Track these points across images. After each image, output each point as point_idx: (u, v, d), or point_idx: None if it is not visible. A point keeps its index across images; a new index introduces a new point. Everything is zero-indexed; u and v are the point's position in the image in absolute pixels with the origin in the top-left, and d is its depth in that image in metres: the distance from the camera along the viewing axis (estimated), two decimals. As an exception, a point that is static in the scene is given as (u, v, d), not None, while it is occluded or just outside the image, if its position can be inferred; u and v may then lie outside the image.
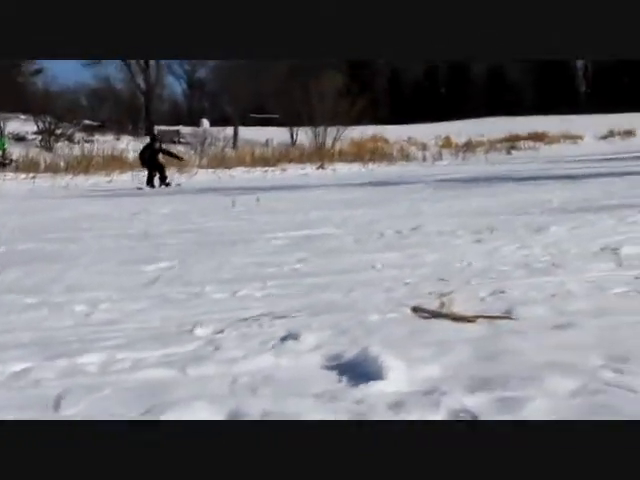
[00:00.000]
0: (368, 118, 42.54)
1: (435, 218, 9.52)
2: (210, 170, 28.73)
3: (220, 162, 32.32)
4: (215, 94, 58.72)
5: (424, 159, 37.71)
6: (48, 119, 38.41)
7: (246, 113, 47.93)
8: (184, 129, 45.81)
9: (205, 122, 47.48)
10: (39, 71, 48.53)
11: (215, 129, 44.42)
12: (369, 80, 58.37)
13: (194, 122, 49.79)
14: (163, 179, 22.29)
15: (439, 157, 38.79)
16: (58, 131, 38.64)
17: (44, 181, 26.44)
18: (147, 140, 41.06)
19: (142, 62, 46.65)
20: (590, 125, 49.35)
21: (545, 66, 63.15)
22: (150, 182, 22.14)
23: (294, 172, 28.58)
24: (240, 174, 28.13)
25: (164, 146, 24.84)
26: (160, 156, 23.00)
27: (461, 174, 22.02)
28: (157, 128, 44.95)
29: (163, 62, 52.12)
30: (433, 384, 2.97)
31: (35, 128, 38.64)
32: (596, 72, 65.99)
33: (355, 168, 31.19)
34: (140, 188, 21.51)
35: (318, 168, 29.94)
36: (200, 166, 30.23)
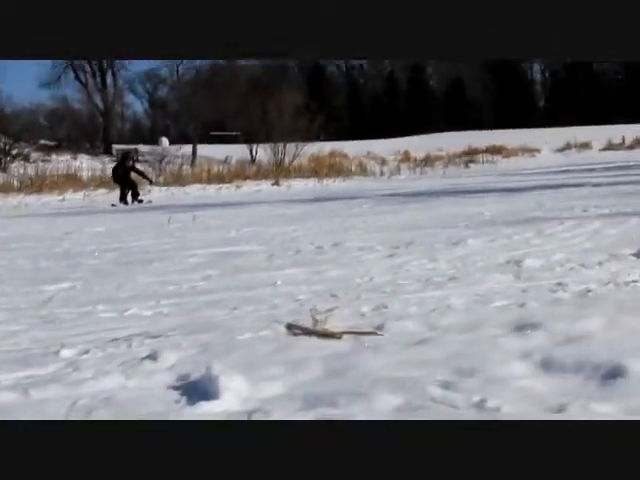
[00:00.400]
0: (328, 134, 42.53)
1: (362, 233, 9.53)
2: (164, 188, 28.54)
3: (176, 179, 32.14)
4: (176, 112, 58.51)
5: (381, 174, 37.76)
6: (3, 139, 38.06)
7: (206, 131, 47.83)
8: (143, 147, 45.58)
9: (164, 140, 47.26)
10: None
11: (174, 147, 44.26)
12: (328, 96, 58.54)
13: (156, 141, 49.58)
14: (135, 196, 22.37)
15: (397, 172, 38.85)
16: (14, 151, 38.29)
17: (-5, 201, 26.15)
18: (105, 158, 41.08)
19: (99, 82, 46.51)
20: (548, 138, 49.75)
21: (504, 82, 63.73)
22: (123, 199, 22.18)
23: (248, 189, 28.49)
24: (194, 191, 27.99)
25: (137, 165, 24.89)
26: (132, 174, 23.02)
27: (411, 188, 22.06)
28: (115, 147, 44.81)
29: (122, 82, 52.02)
30: (264, 404, 2.94)
31: (-10, 149, 38.30)
32: (554, 86, 66.70)
33: (311, 184, 31.14)
34: (114, 205, 21.52)
35: (273, 184, 29.86)
36: (155, 183, 30.00)
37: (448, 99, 65.01)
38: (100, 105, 47.25)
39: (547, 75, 69.83)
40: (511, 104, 62.37)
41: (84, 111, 50.14)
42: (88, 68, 46.69)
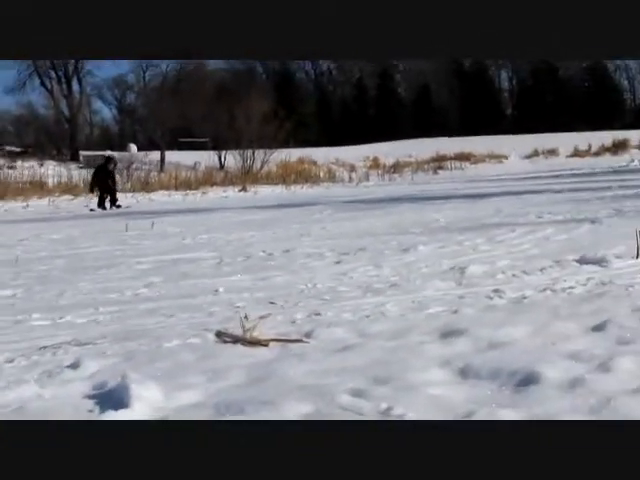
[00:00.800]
0: (297, 141, 42.51)
1: (316, 239, 9.50)
2: (130, 194, 28.36)
3: (143, 186, 31.97)
4: (144, 119, 58.31)
5: (350, 180, 37.81)
6: (-33, 147, 37.79)
7: (174, 137, 47.67)
8: (110, 154, 45.34)
9: (132, 147, 47.02)
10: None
11: (142, 153, 44.04)
12: (297, 103, 58.52)
13: (125, 147, 49.32)
14: (114, 201, 22.27)
15: (366, 178, 38.88)
16: (-21, 158, 38.02)
17: (-43, 208, 25.85)
18: (72, 165, 40.78)
19: (65, 88, 46.18)
20: (515, 145, 50.06)
21: (472, 89, 64.04)
22: (101, 204, 22.06)
23: (215, 195, 28.40)
24: (159, 198, 27.86)
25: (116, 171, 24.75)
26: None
27: (376, 195, 22.08)
28: (82, 153, 44.54)
29: (90, 88, 51.76)
30: (175, 413, 2.91)
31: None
32: (521, 93, 67.11)
33: (278, 190, 31.12)
34: (92, 210, 21.40)
35: (240, 191, 29.81)
36: (122, 190, 29.84)
37: (416, 106, 65.16)
38: (66, 112, 46.90)
39: (514, 82, 70.23)
40: (479, 111, 62.65)
41: (50, 117, 49.78)
42: (53, 74, 46.37)
